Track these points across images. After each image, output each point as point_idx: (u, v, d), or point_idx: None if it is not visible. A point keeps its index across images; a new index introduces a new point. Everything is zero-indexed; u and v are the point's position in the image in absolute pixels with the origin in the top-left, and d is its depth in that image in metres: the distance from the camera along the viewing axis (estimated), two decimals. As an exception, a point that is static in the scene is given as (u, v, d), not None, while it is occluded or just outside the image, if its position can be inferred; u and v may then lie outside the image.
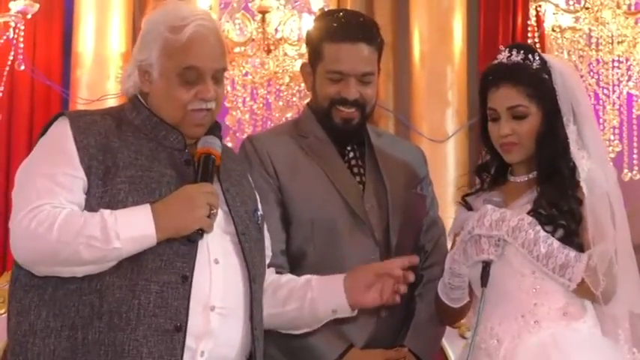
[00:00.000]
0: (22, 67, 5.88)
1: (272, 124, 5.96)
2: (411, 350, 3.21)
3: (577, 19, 5.28)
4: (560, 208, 2.95)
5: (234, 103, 6.04)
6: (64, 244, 2.59)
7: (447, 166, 5.98)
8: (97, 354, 2.62)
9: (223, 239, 2.81)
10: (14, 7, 5.72)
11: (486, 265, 2.96)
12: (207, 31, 2.81)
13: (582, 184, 2.95)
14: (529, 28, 5.36)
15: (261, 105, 6.10)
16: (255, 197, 2.99)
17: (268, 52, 5.89)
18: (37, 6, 5.76)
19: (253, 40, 5.92)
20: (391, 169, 3.32)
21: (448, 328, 3.45)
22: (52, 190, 2.65)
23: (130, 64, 2.89)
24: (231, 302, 2.78)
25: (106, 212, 2.64)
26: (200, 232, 2.70)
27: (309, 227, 3.20)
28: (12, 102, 6.41)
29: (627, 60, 5.36)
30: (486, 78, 3.09)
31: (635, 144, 5.60)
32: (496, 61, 3.09)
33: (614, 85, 5.40)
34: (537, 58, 3.04)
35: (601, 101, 5.41)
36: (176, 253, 2.69)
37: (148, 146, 2.78)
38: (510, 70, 3.03)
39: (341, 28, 3.26)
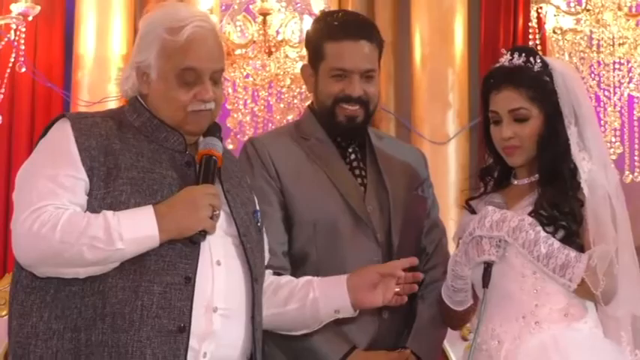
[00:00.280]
0: (24, 69, 5.88)
1: (273, 126, 5.96)
2: (413, 352, 3.21)
3: (578, 21, 5.28)
4: (561, 209, 2.95)
5: (236, 105, 6.05)
6: (67, 244, 2.59)
7: (448, 168, 5.98)
8: (100, 355, 2.61)
9: (225, 241, 2.81)
10: (15, 9, 5.72)
11: (488, 266, 2.96)
12: (206, 32, 2.81)
13: (583, 185, 2.96)
14: (530, 30, 5.37)
15: (262, 107, 6.11)
16: (253, 198, 2.99)
17: (269, 54, 5.89)
18: (38, 8, 5.75)
19: (254, 42, 5.93)
20: (392, 171, 3.33)
21: (450, 330, 3.44)
22: (55, 192, 2.65)
23: (128, 65, 2.88)
24: (234, 303, 2.78)
25: (109, 213, 2.63)
26: (203, 234, 2.70)
27: (311, 229, 3.20)
28: (13, 104, 6.42)
29: (628, 62, 5.37)
30: (488, 81, 3.09)
31: (636, 146, 5.61)
32: (498, 64, 3.10)
33: (615, 87, 5.41)
34: (539, 60, 3.04)
35: (602, 103, 5.42)
36: (179, 254, 2.69)
37: (148, 148, 2.78)
38: (512, 72, 3.04)
39: (342, 26, 3.28)
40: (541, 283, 2.94)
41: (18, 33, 5.79)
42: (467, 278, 3.03)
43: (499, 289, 2.97)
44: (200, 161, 2.79)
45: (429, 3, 6.12)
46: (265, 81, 6.03)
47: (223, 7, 6.30)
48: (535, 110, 3.03)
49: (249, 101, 6.10)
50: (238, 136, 6.04)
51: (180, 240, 2.68)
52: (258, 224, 2.94)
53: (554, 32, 5.34)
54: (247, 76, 6.05)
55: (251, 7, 5.99)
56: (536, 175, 3.06)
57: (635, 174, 5.57)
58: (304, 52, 3.89)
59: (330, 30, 3.28)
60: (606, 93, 5.42)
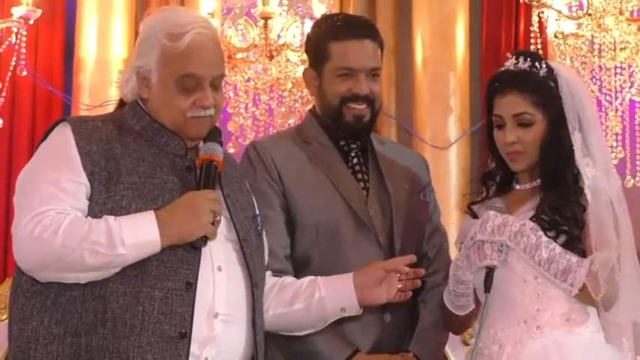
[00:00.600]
0: (24, 73, 5.88)
1: (274, 130, 5.96)
2: (415, 356, 3.21)
3: (579, 26, 5.28)
4: (563, 214, 2.95)
5: (237, 109, 6.04)
6: (68, 249, 2.59)
7: (449, 172, 5.98)
8: (100, 361, 2.62)
9: (225, 246, 2.81)
10: (16, 12, 5.72)
11: (490, 271, 2.96)
12: (206, 39, 2.81)
13: (586, 191, 2.95)
14: (531, 35, 5.36)
15: (263, 111, 6.10)
16: (253, 203, 2.99)
17: (271, 58, 5.89)
18: (39, 11, 5.75)
19: (256, 46, 5.92)
20: (394, 175, 3.33)
21: (451, 335, 3.44)
22: (56, 196, 2.65)
23: (128, 69, 2.88)
24: (235, 309, 2.78)
25: (111, 218, 2.63)
26: (204, 239, 2.70)
27: (314, 232, 3.21)
28: (14, 107, 6.41)
29: (630, 66, 5.36)
30: (493, 84, 3.09)
31: (637, 150, 5.60)
32: (503, 68, 3.10)
33: (616, 92, 5.40)
34: (544, 65, 3.04)
35: (603, 108, 5.41)
36: (180, 259, 2.69)
37: (149, 152, 2.78)
38: (517, 77, 3.03)
39: (346, 26, 3.30)
40: (543, 287, 2.94)
41: (19, 36, 5.78)
42: (469, 283, 3.03)
43: (501, 294, 2.97)
44: (201, 166, 2.79)
45: (431, 7, 6.12)
46: (266, 85, 6.03)
47: (224, 11, 6.30)
48: (539, 115, 3.02)
49: (250, 105, 6.10)
50: (239, 140, 6.03)
51: (181, 245, 2.68)
52: (258, 228, 2.94)
53: (555, 37, 5.33)
54: (248, 79, 6.04)
55: (252, 10, 5.99)
56: (538, 180, 3.06)
57: (637, 178, 5.56)
58: (305, 56, 3.88)
59: (333, 30, 3.29)
60: (608, 97, 5.42)
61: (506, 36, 6.19)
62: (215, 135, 2.87)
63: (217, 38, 2.89)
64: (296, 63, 5.93)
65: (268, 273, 3.02)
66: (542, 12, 5.33)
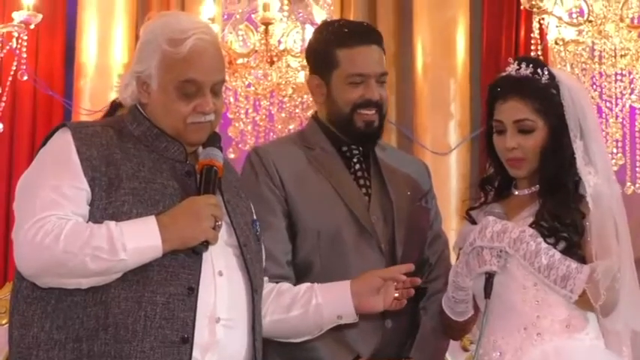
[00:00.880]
0: (25, 78, 5.87)
1: (274, 136, 5.97)
2: (416, 362, 3.22)
3: (580, 32, 5.28)
4: (562, 220, 2.95)
5: (237, 114, 6.05)
6: (70, 254, 2.59)
7: (450, 178, 5.98)
8: (102, 366, 2.62)
9: (226, 251, 2.81)
10: (17, 17, 5.71)
11: (489, 277, 2.96)
12: (207, 45, 2.81)
13: (588, 199, 2.95)
14: (532, 41, 5.36)
15: (263, 116, 6.11)
16: (251, 209, 3.00)
17: (271, 63, 5.89)
18: (40, 16, 5.74)
19: (256, 51, 5.93)
20: (396, 181, 3.33)
21: (451, 341, 3.44)
22: (57, 202, 2.64)
23: (128, 73, 2.88)
24: (236, 314, 2.78)
25: (112, 224, 2.63)
26: (205, 244, 2.70)
27: (316, 238, 3.20)
28: (14, 112, 6.42)
29: (630, 73, 5.37)
30: (494, 89, 3.09)
31: (637, 157, 5.60)
32: (504, 73, 3.09)
33: (616, 99, 5.40)
34: (546, 72, 3.04)
35: (604, 114, 5.41)
36: (181, 265, 2.69)
37: (149, 157, 2.78)
38: (519, 83, 3.03)
39: (353, 32, 3.29)
40: (542, 294, 2.94)
41: (20, 41, 5.78)
42: (468, 289, 3.03)
43: (501, 301, 2.98)
44: (201, 171, 2.79)
45: (431, 13, 6.12)
46: (267, 90, 6.03)
47: (225, 17, 6.31)
48: (540, 122, 3.02)
49: (250, 110, 6.10)
50: (240, 146, 6.04)
51: (182, 250, 2.69)
52: (257, 234, 2.94)
53: (556, 43, 5.33)
54: (249, 85, 6.05)
55: (253, 16, 6.00)
56: (537, 186, 3.06)
57: (637, 185, 5.56)
58: (306, 62, 3.88)
59: (340, 37, 3.28)
60: (608, 104, 5.42)
61: (507, 42, 6.20)
62: (215, 140, 2.87)
63: (218, 44, 2.89)
64: (296, 69, 5.94)
65: (266, 278, 3.02)
66: (543, 18, 5.32)
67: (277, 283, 3.08)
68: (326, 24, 3.58)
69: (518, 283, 2.96)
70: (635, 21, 5.29)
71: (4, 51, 5.81)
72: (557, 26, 5.32)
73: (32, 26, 5.78)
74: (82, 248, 2.59)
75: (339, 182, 3.25)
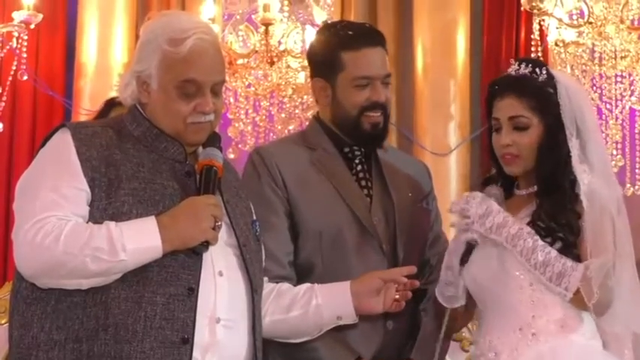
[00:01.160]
0: (25, 77, 5.87)
1: (274, 136, 5.97)
2: (417, 363, 3.22)
3: (580, 34, 5.28)
4: (558, 220, 2.96)
5: (237, 114, 6.04)
6: (70, 255, 2.59)
7: (450, 179, 5.98)
8: (102, 366, 2.62)
9: (226, 251, 2.81)
10: (17, 16, 5.71)
11: (469, 246, 3.01)
12: (207, 44, 2.80)
13: (582, 197, 2.96)
14: (532, 42, 5.35)
15: (263, 117, 6.10)
16: (250, 209, 3.00)
17: (271, 64, 5.89)
18: (40, 16, 5.74)
19: (256, 51, 5.93)
20: (398, 183, 3.33)
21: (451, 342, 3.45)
22: (57, 203, 2.64)
23: (128, 73, 2.88)
24: (236, 314, 2.79)
25: (112, 224, 2.63)
26: (205, 245, 2.70)
27: (317, 239, 3.20)
28: (14, 112, 6.42)
29: (630, 75, 5.36)
30: (493, 88, 3.11)
31: (637, 158, 5.60)
32: (504, 73, 3.12)
33: (617, 100, 5.40)
34: (544, 71, 3.05)
35: (604, 116, 5.41)
36: (181, 265, 2.69)
37: (149, 158, 2.78)
38: (516, 81, 3.05)
39: (358, 35, 3.28)
40: (538, 294, 2.95)
41: (20, 41, 5.78)
42: (455, 269, 3.05)
43: (497, 301, 2.99)
44: (201, 171, 2.79)
45: (432, 14, 6.12)
46: (267, 91, 6.03)
47: (225, 17, 6.31)
48: (535, 120, 3.03)
49: (250, 111, 6.10)
50: (239, 146, 6.04)
51: (182, 251, 2.69)
52: (257, 234, 2.94)
53: (556, 45, 5.33)
54: (249, 85, 6.05)
55: (253, 17, 5.99)
56: (535, 186, 3.06)
57: (637, 187, 5.56)
58: (306, 62, 3.88)
59: (345, 40, 3.27)
60: (608, 106, 5.41)
61: (507, 44, 6.20)
62: (214, 140, 2.87)
63: (218, 44, 2.89)
64: (297, 69, 5.94)
65: (266, 279, 3.02)
66: (543, 20, 5.32)
67: (276, 283, 3.08)
68: (328, 26, 3.56)
69: (515, 284, 2.97)
70: (636, 23, 5.28)
71: (4, 51, 5.81)
72: (557, 28, 5.32)
73: (32, 26, 5.78)
74: (82, 249, 2.59)
75: (340, 183, 3.25)
